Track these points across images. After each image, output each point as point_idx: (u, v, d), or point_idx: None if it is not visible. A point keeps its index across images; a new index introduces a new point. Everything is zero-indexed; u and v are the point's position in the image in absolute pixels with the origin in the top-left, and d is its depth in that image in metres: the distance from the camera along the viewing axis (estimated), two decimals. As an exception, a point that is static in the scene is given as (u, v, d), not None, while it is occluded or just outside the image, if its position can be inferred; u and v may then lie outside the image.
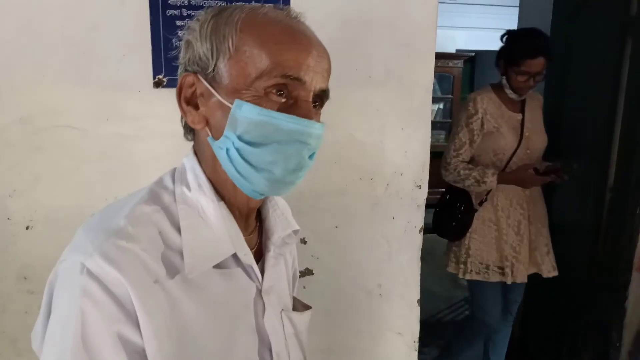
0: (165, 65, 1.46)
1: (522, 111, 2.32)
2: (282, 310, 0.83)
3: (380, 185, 1.69)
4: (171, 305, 0.67)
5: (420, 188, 1.72)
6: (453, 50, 7.32)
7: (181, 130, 0.80)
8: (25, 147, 1.45)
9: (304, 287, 1.65)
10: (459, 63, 6.54)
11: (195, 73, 0.72)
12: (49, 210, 1.49)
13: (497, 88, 2.32)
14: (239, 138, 0.68)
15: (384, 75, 1.62)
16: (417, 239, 1.75)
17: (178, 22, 1.44)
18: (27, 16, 1.40)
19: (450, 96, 6.60)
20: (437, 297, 3.91)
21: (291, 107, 0.69)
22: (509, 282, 2.29)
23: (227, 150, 0.70)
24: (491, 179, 2.21)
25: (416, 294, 1.80)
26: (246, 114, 0.67)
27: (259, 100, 0.68)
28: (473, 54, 6.99)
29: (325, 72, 0.73)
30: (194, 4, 1.45)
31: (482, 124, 2.25)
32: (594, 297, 2.61)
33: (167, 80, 1.47)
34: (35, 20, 1.40)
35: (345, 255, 1.71)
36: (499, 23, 7.31)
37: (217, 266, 0.73)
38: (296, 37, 0.70)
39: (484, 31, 7.55)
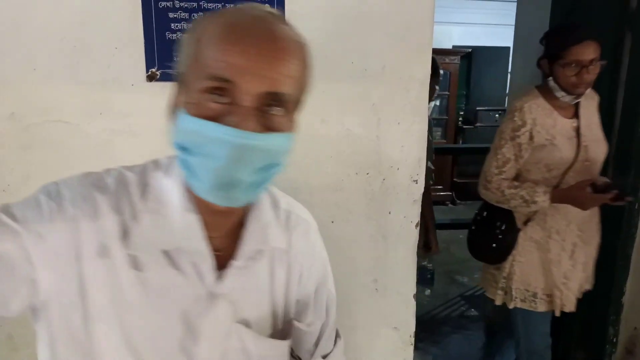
0: (158, 58, 1.44)
1: (577, 116, 1.99)
2: (237, 322, 0.79)
3: (376, 180, 1.68)
4: (109, 267, 0.70)
5: (416, 183, 1.71)
6: (449, 46, 7.30)
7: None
8: (15, 143, 1.44)
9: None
10: (456, 59, 6.52)
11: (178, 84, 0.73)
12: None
13: (545, 91, 1.97)
14: (179, 146, 0.68)
15: (380, 69, 1.61)
16: (413, 234, 1.75)
17: (171, 15, 1.42)
18: (15, 9, 1.38)
19: (446, 92, 6.58)
20: (433, 294, 3.91)
21: (230, 113, 0.64)
22: (557, 313, 2.01)
23: (178, 156, 0.70)
24: (543, 199, 1.88)
25: (412, 289, 1.79)
26: (183, 122, 0.66)
27: (197, 107, 0.65)
28: (470, 50, 6.94)
29: (277, 74, 0.65)
30: (186, -5, 1.44)
31: (532, 137, 1.93)
32: (592, 292, 2.62)
33: (161, 74, 1.45)
34: (24, 13, 1.38)
35: (341, 251, 1.70)
36: (496, 19, 7.31)
37: (168, 254, 0.73)
38: (232, 36, 0.64)
39: (481, 27, 7.51)
